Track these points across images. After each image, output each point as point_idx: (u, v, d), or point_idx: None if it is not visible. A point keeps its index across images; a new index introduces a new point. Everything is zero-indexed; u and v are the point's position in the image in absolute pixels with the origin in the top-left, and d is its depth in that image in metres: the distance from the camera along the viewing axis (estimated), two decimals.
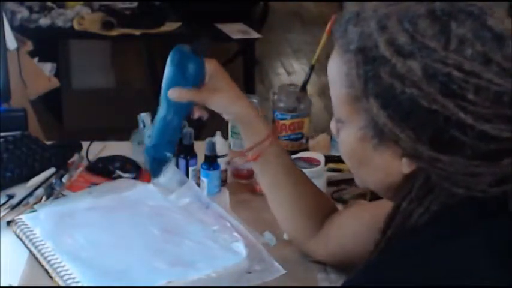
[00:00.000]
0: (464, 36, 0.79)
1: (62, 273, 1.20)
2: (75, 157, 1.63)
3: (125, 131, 1.75)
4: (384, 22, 0.82)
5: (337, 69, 0.87)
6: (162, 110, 1.23)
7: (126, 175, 1.57)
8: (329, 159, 1.57)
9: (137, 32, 3.53)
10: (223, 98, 1.21)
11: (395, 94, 0.80)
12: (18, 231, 1.32)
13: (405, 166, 0.84)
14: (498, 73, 0.79)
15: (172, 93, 1.19)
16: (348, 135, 0.89)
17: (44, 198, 1.45)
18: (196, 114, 1.24)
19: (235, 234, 1.33)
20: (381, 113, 0.81)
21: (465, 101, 0.78)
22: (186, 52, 1.19)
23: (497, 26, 0.81)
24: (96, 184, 1.53)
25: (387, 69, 0.80)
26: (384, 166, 0.87)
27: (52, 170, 1.55)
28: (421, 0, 0.83)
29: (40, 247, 1.27)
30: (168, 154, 1.27)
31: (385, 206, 0.90)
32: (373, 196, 1.13)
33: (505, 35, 0.81)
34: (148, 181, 1.56)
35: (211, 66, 1.20)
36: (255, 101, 1.53)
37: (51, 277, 1.21)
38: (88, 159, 1.64)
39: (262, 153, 1.23)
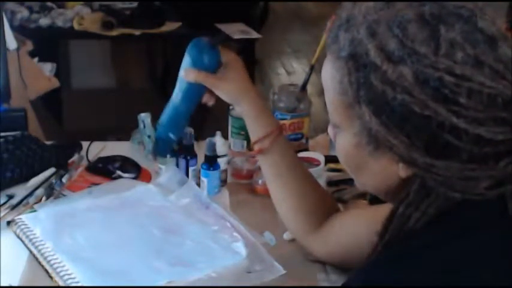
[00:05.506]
0: (455, 40, 0.78)
1: (62, 273, 1.20)
2: (75, 157, 1.64)
3: (125, 131, 1.75)
4: (373, 28, 0.81)
5: (330, 76, 0.87)
6: (174, 95, 1.32)
7: (126, 175, 1.57)
8: (329, 159, 1.57)
9: (137, 32, 3.53)
10: (231, 87, 1.26)
11: (387, 101, 0.79)
12: (18, 231, 1.32)
13: (402, 171, 0.84)
14: (490, 76, 0.78)
15: (185, 72, 1.26)
16: (344, 141, 0.89)
17: (44, 198, 1.45)
18: (204, 99, 1.30)
19: (235, 234, 1.33)
20: (373, 120, 0.81)
21: (458, 105, 0.77)
22: (203, 44, 1.27)
23: (489, 28, 0.80)
24: (96, 184, 1.53)
25: (378, 76, 0.80)
26: (381, 171, 0.86)
27: (52, 170, 1.55)
28: (412, 0, 0.82)
29: (40, 247, 1.27)
30: (172, 136, 1.36)
31: (385, 209, 0.89)
32: (373, 197, 1.13)
33: (497, 36, 0.81)
34: (149, 181, 1.56)
35: (228, 57, 1.27)
36: None
37: (51, 277, 1.21)
38: (88, 159, 1.64)
39: (268, 146, 1.24)
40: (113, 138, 1.80)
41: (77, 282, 1.18)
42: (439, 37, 0.79)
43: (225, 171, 1.57)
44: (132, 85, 4.42)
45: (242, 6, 3.94)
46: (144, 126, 1.64)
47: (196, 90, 1.29)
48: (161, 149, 1.46)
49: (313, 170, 1.40)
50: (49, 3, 3.58)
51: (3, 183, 1.49)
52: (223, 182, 1.56)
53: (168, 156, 1.53)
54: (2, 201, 1.44)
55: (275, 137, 1.25)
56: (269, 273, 1.24)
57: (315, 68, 1.64)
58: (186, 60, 1.27)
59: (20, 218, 1.36)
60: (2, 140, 1.63)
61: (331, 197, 1.36)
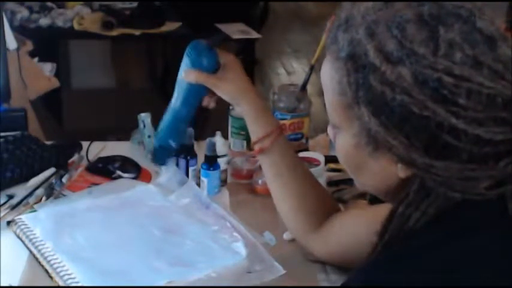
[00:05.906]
0: (453, 41, 0.78)
1: (62, 273, 1.20)
2: (75, 157, 1.63)
3: (125, 131, 1.75)
4: (372, 28, 0.81)
5: (329, 77, 0.87)
6: (173, 100, 1.31)
7: (126, 175, 1.57)
8: (329, 159, 1.57)
9: (137, 32, 3.53)
10: (231, 87, 1.27)
11: (386, 101, 0.79)
12: (18, 231, 1.32)
13: (401, 171, 0.84)
14: (489, 76, 0.78)
15: (185, 73, 1.27)
16: (344, 141, 0.89)
17: (44, 198, 1.45)
18: (205, 102, 1.30)
19: (235, 234, 1.33)
20: (372, 121, 0.81)
21: (456, 106, 0.77)
22: (202, 46, 1.28)
23: (487, 28, 0.80)
24: (96, 184, 1.53)
25: (377, 77, 0.80)
26: (380, 171, 0.86)
27: (52, 170, 1.55)
28: (411, 0, 0.82)
29: (40, 247, 1.27)
30: (171, 142, 1.34)
31: (385, 209, 0.89)
32: (373, 197, 1.13)
33: (496, 36, 0.80)
34: (149, 181, 1.56)
35: (227, 58, 1.28)
36: None
37: (51, 277, 1.21)
38: (88, 159, 1.64)
39: (268, 146, 1.25)
40: (113, 138, 1.80)
41: (77, 282, 1.18)
42: (438, 38, 0.79)
43: (225, 171, 1.57)
44: (132, 85, 4.41)
45: (242, 6, 3.94)
46: (144, 126, 1.64)
47: (196, 92, 1.29)
48: (160, 157, 1.44)
49: (313, 170, 1.40)
50: (49, 3, 3.58)
51: (3, 183, 1.49)
52: (223, 182, 1.56)
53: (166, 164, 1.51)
54: (2, 201, 1.44)
55: (275, 136, 1.25)
56: (269, 273, 1.24)
57: (315, 68, 1.64)
58: (185, 63, 1.28)
59: (20, 218, 1.36)
60: (2, 140, 1.63)
61: (332, 197, 1.36)
